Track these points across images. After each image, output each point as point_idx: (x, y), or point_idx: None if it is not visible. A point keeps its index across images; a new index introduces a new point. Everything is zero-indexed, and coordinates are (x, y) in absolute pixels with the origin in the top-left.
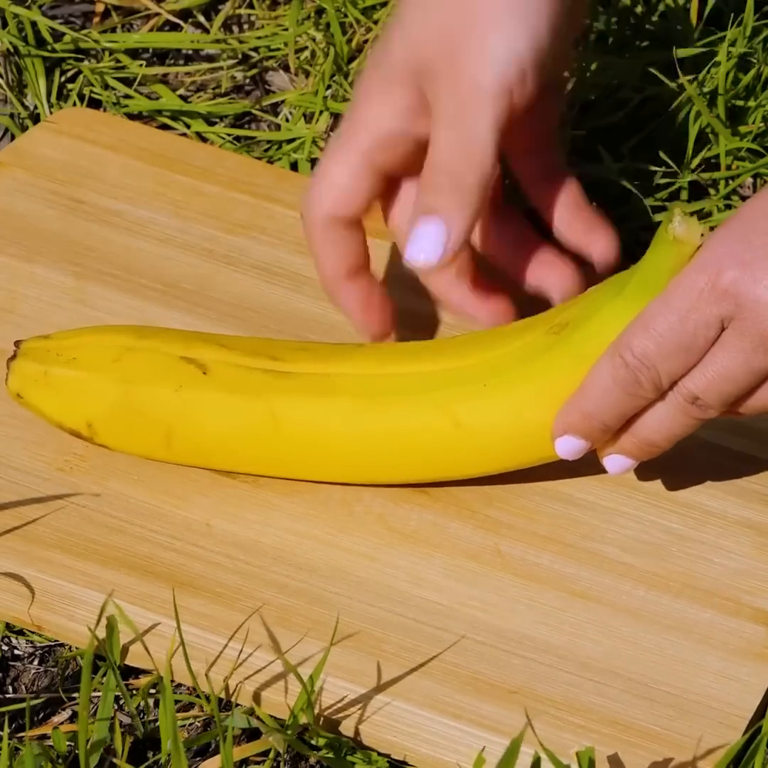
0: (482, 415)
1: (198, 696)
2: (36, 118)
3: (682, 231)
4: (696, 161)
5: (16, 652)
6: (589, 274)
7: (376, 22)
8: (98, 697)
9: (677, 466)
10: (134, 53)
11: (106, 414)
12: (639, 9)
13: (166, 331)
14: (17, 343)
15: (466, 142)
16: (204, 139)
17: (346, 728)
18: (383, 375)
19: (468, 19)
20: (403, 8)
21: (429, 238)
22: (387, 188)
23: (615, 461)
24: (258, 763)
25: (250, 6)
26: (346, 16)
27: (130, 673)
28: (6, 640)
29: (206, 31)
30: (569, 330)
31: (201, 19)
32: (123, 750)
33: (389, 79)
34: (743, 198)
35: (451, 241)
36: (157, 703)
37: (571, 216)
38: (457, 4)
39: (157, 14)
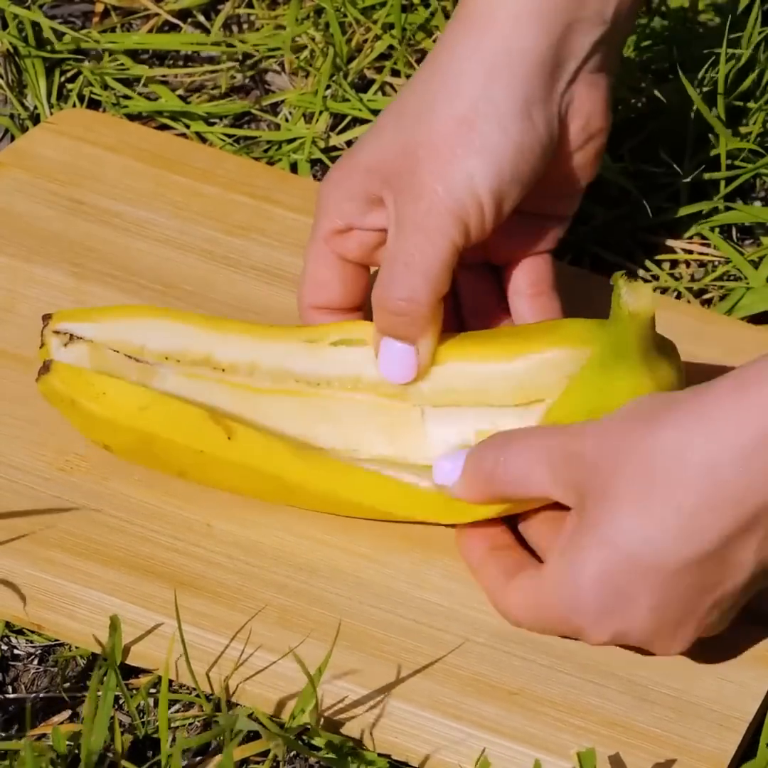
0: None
1: (198, 696)
2: (36, 119)
3: (633, 302)
4: (696, 161)
5: (16, 651)
6: None
7: (375, 22)
8: (98, 696)
9: None
10: (134, 53)
11: (126, 447)
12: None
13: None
14: (45, 318)
15: (421, 261)
16: (203, 140)
17: (347, 729)
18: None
19: (433, 143)
20: (383, 114)
21: (399, 359)
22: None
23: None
24: (258, 762)
25: (250, 6)
26: (345, 15)
27: (130, 672)
28: (6, 639)
29: (206, 31)
30: (542, 408)
31: (201, 19)
32: (123, 750)
33: (352, 169)
34: (743, 198)
35: (421, 356)
36: (157, 703)
37: (529, 301)
38: (424, 126)
39: (157, 14)
